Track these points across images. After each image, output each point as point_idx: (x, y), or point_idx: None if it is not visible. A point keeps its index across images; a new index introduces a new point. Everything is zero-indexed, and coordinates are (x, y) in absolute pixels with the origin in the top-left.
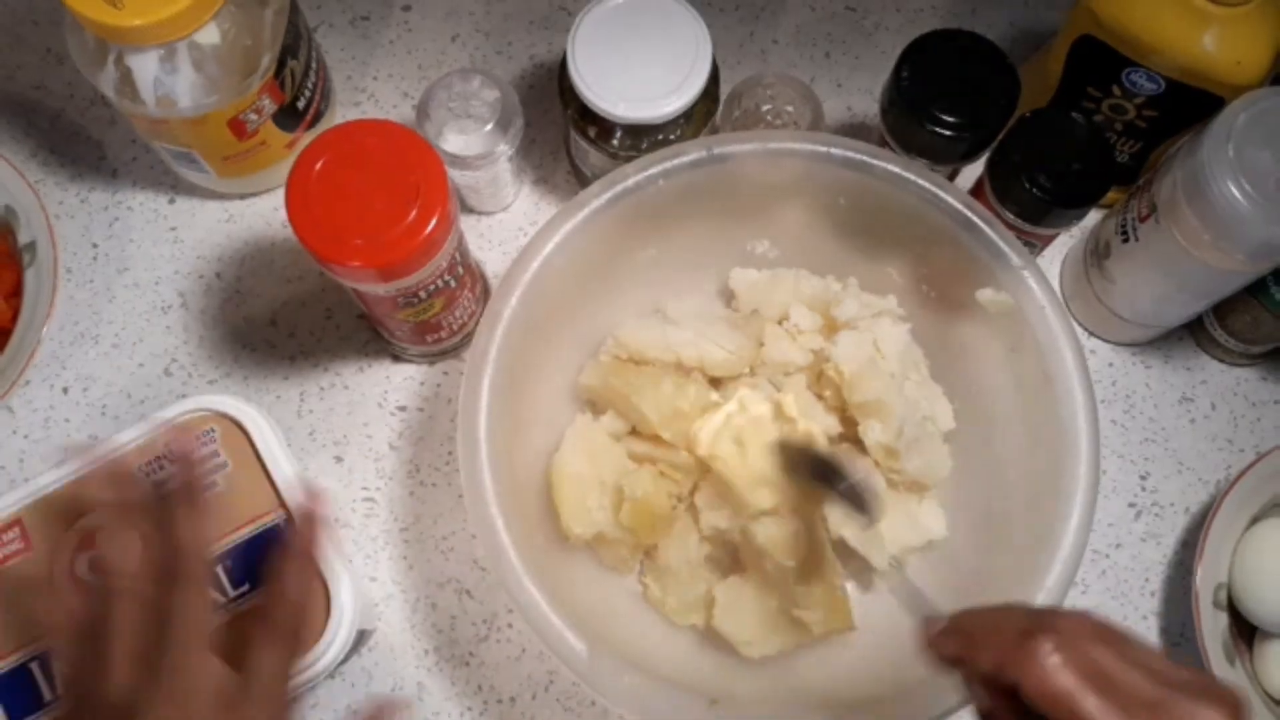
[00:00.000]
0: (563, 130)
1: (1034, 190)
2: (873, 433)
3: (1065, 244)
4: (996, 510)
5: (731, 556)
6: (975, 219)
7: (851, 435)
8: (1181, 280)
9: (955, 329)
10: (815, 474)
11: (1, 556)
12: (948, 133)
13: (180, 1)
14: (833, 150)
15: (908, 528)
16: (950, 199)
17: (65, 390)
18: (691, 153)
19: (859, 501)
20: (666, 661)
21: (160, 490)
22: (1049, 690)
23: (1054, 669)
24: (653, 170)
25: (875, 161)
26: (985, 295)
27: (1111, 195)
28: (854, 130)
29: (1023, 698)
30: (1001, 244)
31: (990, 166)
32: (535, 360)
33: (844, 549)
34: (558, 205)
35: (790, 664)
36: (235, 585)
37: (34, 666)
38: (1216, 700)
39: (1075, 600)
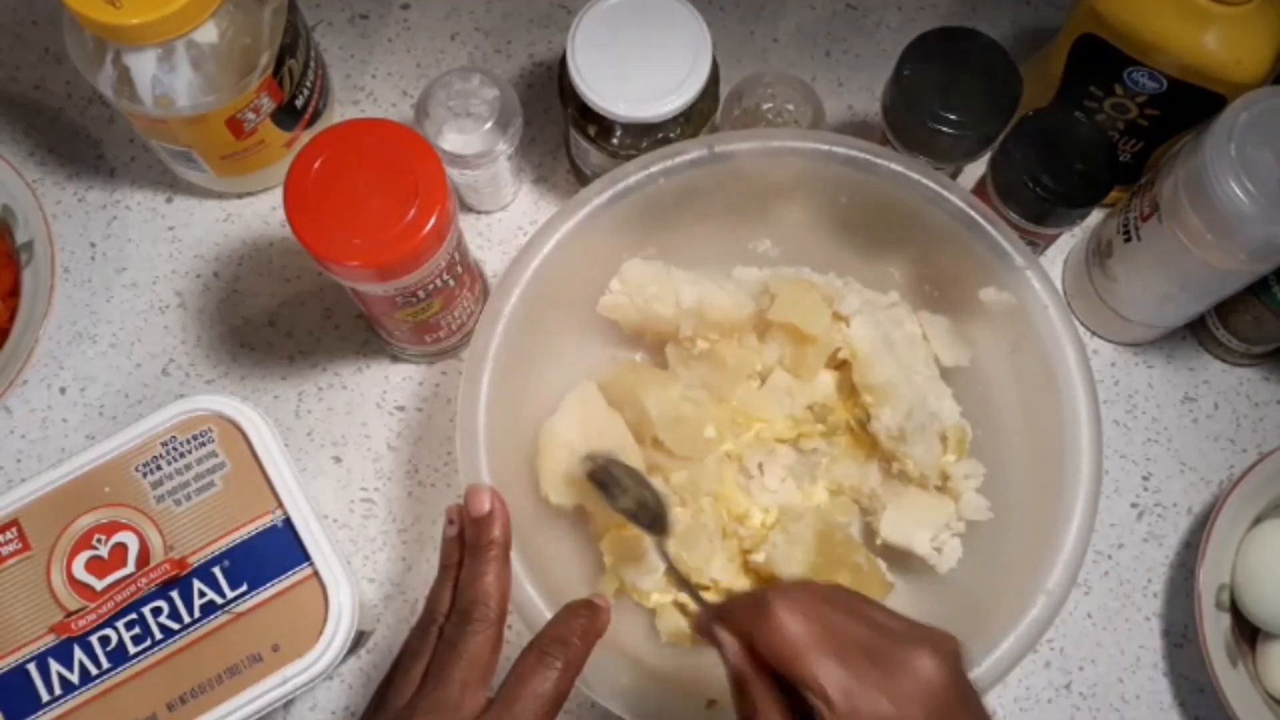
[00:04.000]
0: (562, 129)
1: (1037, 190)
2: (882, 417)
3: (1067, 243)
4: (998, 510)
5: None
6: (978, 218)
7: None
8: (1183, 280)
9: (957, 329)
10: (602, 485)
11: None
12: (950, 131)
13: (178, 0)
14: (835, 149)
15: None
16: (953, 198)
17: (63, 390)
18: (693, 151)
19: (647, 516)
20: (666, 661)
21: (477, 542)
22: (776, 644)
23: (780, 626)
24: (654, 169)
25: (878, 160)
26: (988, 295)
27: (1113, 194)
28: (855, 129)
29: (761, 657)
30: (1004, 244)
31: (993, 166)
32: (535, 360)
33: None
34: (557, 204)
35: None
36: (233, 587)
37: (32, 667)
38: (929, 645)
39: (1077, 601)
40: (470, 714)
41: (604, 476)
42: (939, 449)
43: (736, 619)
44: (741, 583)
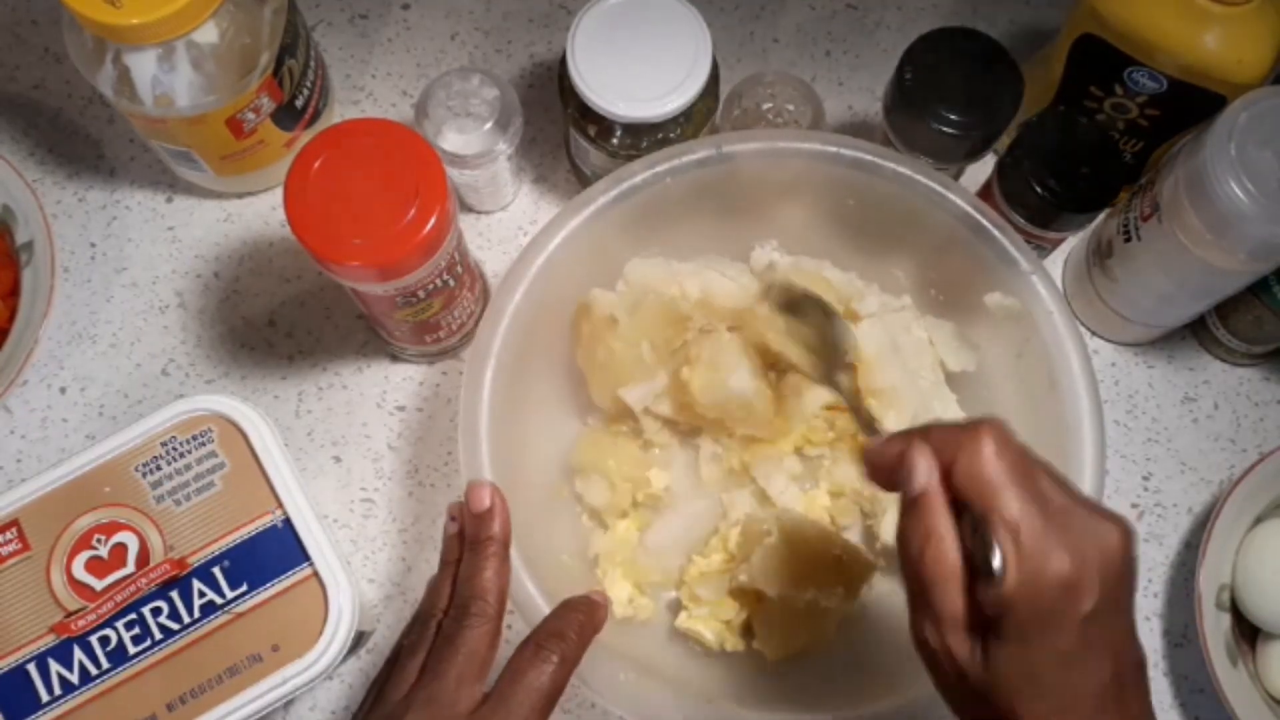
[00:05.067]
0: (562, 129)
1: (1044, 194)
2: (887, 421)
3: (1068, 243)
4: None
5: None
6: (985, 223)
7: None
8: (1184, 279)
9: (962, 334)
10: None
11: None
12: (952, 131)
13: (178, 0)
14: (842, 150)
15: None
16: (960, 202)
17: (63, 390)
18: (700, 151)
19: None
20: (665, 660)
21: (477, 538)
22: (980, 475)
23: (989, 457)
24: (660, 168)
25: (884, 163)
26: (993, 300)
27: None
28: (856, 129)
29: (953, 481)
30: (1010, 248)
31: (999, 170)
32: (537, 360)
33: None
34: (558, 204)
35: (788, 662)
36: (233, 587)
37: (31, 667)
38: (1119, 523)
39: None
40: (466, 708)
41: (789, 304)
42: None
43: (939, 441)
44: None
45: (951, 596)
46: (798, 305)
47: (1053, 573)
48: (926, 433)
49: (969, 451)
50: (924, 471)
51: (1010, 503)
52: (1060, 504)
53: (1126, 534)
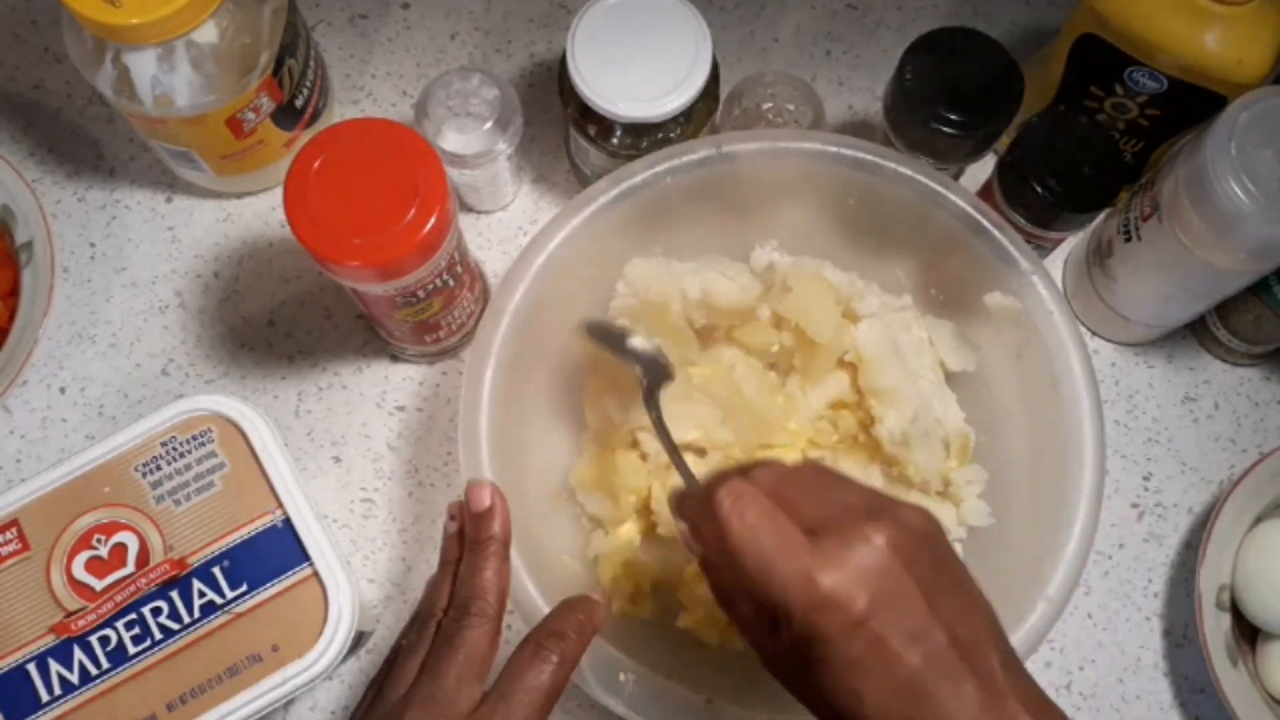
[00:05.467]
0: (562, 129)
1: (1045, 194)
2: (887, 421)
3: (1067, 243)
4: (999, 516)
5: None
6: (985, 223)
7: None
8: (1184, 279)
9: (962, 334)
10: (611, 341)
11: None
12: (953, 131)
13: (178, 0)
14: (842, 150)
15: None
16: (961, 202)
17: (62, 390)
18: (700, 151)
19: (655, 368)
20: (665, 660)
21: (477, 537)
22: (724, 547)
23: (729, 528)
24: (660, 168)
25: (885, 163)
26: (994, 300)
27: None
28: (856, 129)
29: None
30: (1011, 248)
31: (1000, 170)
32: (537, 360)
33: None
34: (558, 204)
35: None
36: (233, 587)
37: (31, 667)
38: (878, 518)
39: (1077, 601)
40: (465, 707)
41: (603, 332)
42: (942, 455)
43: (690, 513)
44: None
45: (764, 639)
46: (608, 338)
47: (823, 594)
48: (681, 503)
49: (709, 529)
50: (694, 543)
51: (770, 559)
52: (821, 521)
53: (893, 528)
